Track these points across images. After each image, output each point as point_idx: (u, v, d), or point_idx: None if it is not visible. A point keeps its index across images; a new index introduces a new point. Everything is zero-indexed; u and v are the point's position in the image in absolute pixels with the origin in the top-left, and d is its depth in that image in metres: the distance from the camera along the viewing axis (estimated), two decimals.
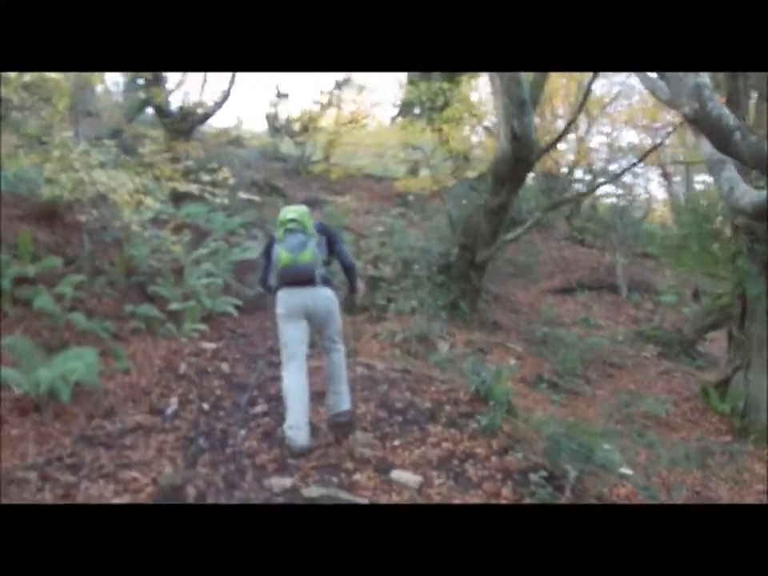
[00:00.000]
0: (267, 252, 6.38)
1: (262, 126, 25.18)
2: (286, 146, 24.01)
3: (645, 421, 9.98)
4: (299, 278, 5.89)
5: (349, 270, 6.42)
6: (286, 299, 5.96)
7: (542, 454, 6.41)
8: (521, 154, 11.87)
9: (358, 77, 23.28)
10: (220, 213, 14.39)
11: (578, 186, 23.69)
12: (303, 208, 6.14)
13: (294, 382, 5.84)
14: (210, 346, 9.31)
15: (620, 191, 21.74)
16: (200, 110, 17.10)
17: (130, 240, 10.46)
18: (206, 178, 9.26)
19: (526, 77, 12.12)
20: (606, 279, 18.97)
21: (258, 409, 7.07)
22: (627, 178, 23.92)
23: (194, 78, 21.53)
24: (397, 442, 6.28)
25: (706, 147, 6.84)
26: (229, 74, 17.43)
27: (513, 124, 11.52)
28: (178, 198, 13.38)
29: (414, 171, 21.93)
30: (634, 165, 15.11)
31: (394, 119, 22.22)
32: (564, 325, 14.97)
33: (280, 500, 5.11)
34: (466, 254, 12.61)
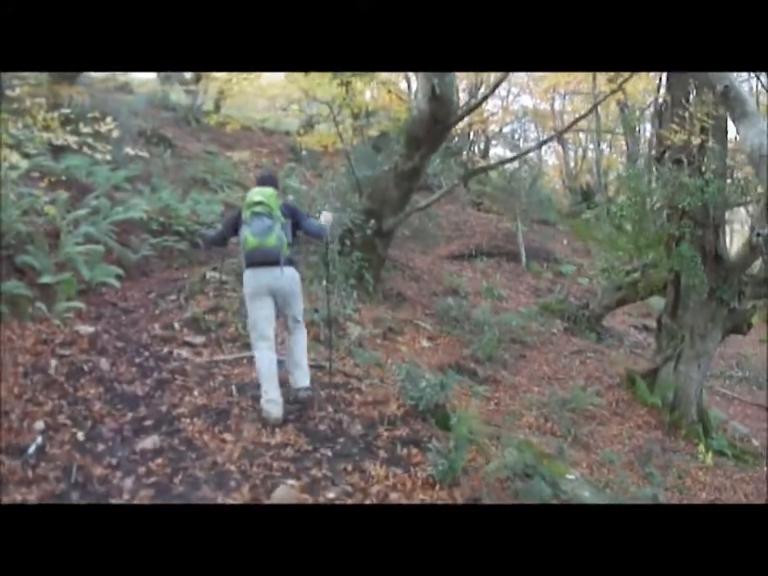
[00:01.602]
0: (229, 224, 6.38)
1: (151, 74, 22.98)
2: (176, 94, 21.88)
3: (572, 415, 8.81)
4: (264, 260, 5.88)
5: (318, 237, 6.52)
6: (252, 279, 5.95)
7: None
8: (439, 114, 10.47)
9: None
10: (104, 166, 12.45)
11: (474, 149, 22.50)
12: (270, 190, 6.10)
13: (267, 361, 5.90)
14: (86, 330, 7.56)
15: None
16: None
17: None
18: (86, 129, 7.53)
19: None
20: (504, 246, 17.92)
21: (149, 443, 5.22)
22: (522, 144, 23.07)
23: None
24: (331, 495, 4.68)
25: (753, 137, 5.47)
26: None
27: (433, 82, 10.05)
28: (57, 149, 11.50)
29: (309, 126, 20.19)
30: (568, 129, 13.62)
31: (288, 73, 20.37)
32: (467, 294, 13.75)
33: None
34: (371, 220, 11.04)
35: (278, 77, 22.56)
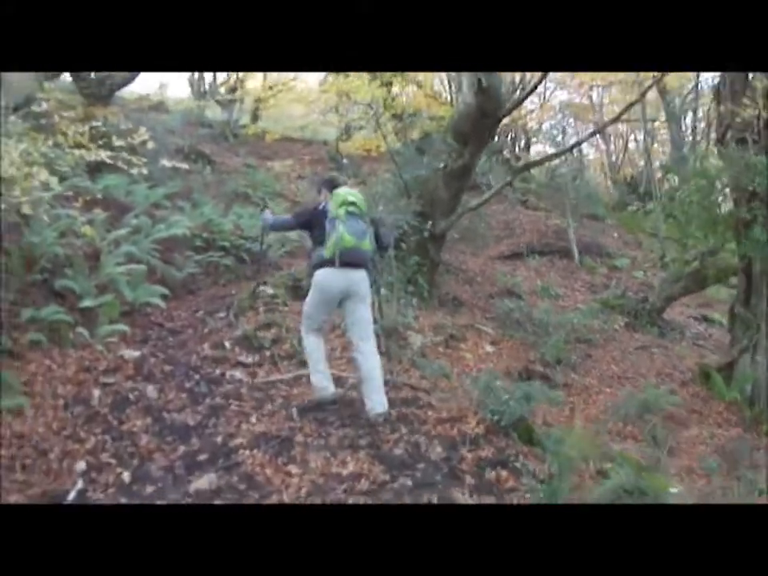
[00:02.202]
0: (304, 216, 6.30)
1: (186, 91, 22.54)
2: (212, 111, 21.37)
3: (650, 416, 7.99)
4: (357, 261, 5.74)
5: (386, 250, 6.58)
6: (332, 278, 5.71)
7: None
8: (487, 108, 9.77)
9: None
10: (142, 184, 11.89)
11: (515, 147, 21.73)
12: (359, 194, 5.94)
13: (319, 346, 5.91)
14: (132, 354, 6.92)
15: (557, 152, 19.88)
16: (119, 74, 14.37)
17: (29, 223, 7.92)
18: (119, 143, 6.96)
19: None
20: (555, 243, 17.08)
21: (204, 483, 4.51)
22: (562, 139, 22.28)
23: None
24: None
25: None
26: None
27: (479, 74, 9.31)
28: (93, 169, 10.94)
29: (347, 132, 19.53)
30: (617, 119, 12.74)
31: (324, 80, 19.76)
32: (523, 294, 12.97)
33: None
34: (423, 223, 10.28)
35: (312, 84, 22.11)
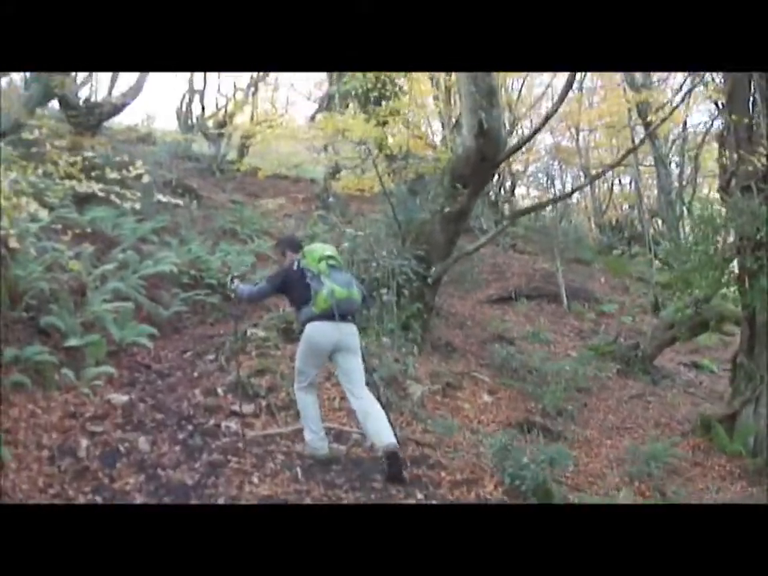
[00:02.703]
0: (280, 280, 6.01)
1: (173, 124, 22.19)
2: (198, 145, 21.01)
3: (655, 471, 7.62)
4: (351, 312, 5.73)
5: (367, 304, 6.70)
6: (324, 332, 5.59)
7: None
8: (487, 151, 9.44)
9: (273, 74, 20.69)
10: (130, 217, 11.50)
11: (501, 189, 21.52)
12: (333, 248, 6.05)
13: (314, 402, 5.80)
14: (120, 399, 6.48)
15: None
16: (109, 104, 14.03)
17: (14, 257, 7.48)
18: (112, 175, 6.62)
19: None
20: (544, 287, 16.75)
21: None
22: (546, 182, 22.12)
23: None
24: None
25: None
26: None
27: (480, 116, 9.04)
28: (80, 200, 10.54)
29: (336, 171, 19.21)
30: (619, 162, 12.53)
31: (313, 116, 19.51)
32: (514, 341, 12.61)
33: None
34: (421, 267, 9.90)
35: (300, 120, 21.86)
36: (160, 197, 8.05)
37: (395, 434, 5.49)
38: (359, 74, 12.83)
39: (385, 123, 12.00)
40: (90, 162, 7.10)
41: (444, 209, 9.94)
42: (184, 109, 21.30)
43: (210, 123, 20.58)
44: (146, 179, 6.68)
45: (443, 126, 13.55)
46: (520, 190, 25.23)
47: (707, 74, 9.45)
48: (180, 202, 9.29)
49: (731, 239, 9.08)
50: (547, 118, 9.73)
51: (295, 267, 5.83)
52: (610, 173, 23.30)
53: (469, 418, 7.96)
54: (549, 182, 22.82)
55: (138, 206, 7.12)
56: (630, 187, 22.60)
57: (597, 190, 25.57)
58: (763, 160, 8.39)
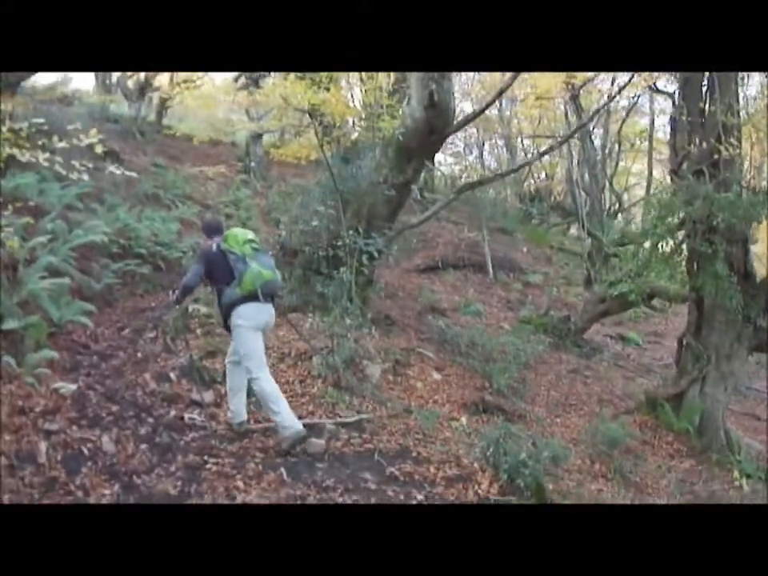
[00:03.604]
0: (208, 262, 5.84)
1: (88, 84, 21.02)
2: (117, 106, 19.95)
3: (608, 449, 7.55)
4: (275, 293, 5.88)
5: None
6: (256, 313, 5.69)
7: None
8: (437, 124, 9.11)
9: None
10: (53, 183, 10.74)
11: None
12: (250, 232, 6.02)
13: (273, 386, 5.61)
14: (68, 389, 5.95)
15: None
16: None
17: None
18: (60, 144, 6.11)
19: None
20: (470, 257, 16.61)
21: None
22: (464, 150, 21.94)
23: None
24: None
25: None
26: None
27: (431, 88, 8.67)
28: None
29: (257, 136, 18.58)
30: (573, 134, 12.32)
31: (237, 78, 18.69)
32: (446, 312, 12.44)
33: None
34: (359, 239, 9.50)
35: (219, 83, 20.98)
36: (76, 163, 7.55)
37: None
38: None
39: (327, 90, 11.48)
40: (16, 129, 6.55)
41: (387, 181, 9.58)
42: None
43: (131, 83, 19.50)
44: (99, 149, 6.20)
45: (389, 95, 12.99)
46: (438, 157, 24.97)
47: None
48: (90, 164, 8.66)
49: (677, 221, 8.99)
50: (501, 92, 9.43)
51: (215, 249, 5.82)
52: (531, 143, 23.30)
53: (423, 398, 7.72)
54: (467, 150, 22.68)
55: (85, 176, 6.70)
56: (550, 158, 22.50)
57: (517, 160, 25.51)
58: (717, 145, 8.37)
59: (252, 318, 5.67)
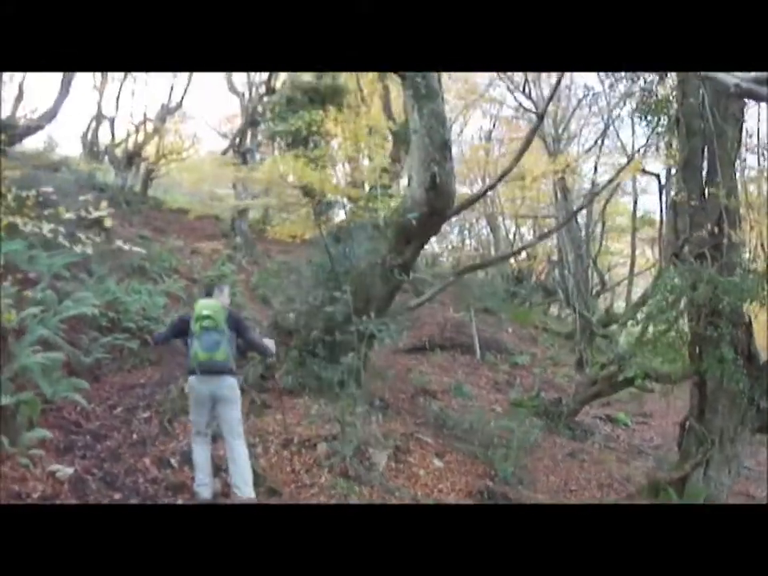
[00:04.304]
0: (176, 330, 6.42)
1: (74, 150, 20.82)
2: (102, 174, 19.77)
3: None
4: (213, 371, 5.88)
5: (258, 350, 6.62)
6: (197, 386, 5.96)
7: None
8: (438, 205, 9.03)
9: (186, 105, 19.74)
10: (41, 251, 10.44)
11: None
12: (217, 304, 6.14)
13: (202, 452, 5.94)
14: (65, 473, 5.62)
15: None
16: (22, 125, 12.88)
17: None
18: (67, 215, 6.09)
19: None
20: (456, 338, 16.43)
21: None
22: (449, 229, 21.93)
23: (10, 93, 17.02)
24: None
25: None
26: (51, 89, 13.48)
27: (433, 170, 8.60)
28: None
29: (242, 211, 18.45)
30: (573, 216, 12.27)
31: (225, 152, 18.66)
32: (436, 394, 12.21)
33: None
34: (370, 323, 9.23)
35: (204, 155, 20.91)
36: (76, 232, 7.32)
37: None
38: (288, 117, 12.19)
39: (323, 167, 11.38)
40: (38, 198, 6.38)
41: (386, 261, 9.40)
42: (90, 135, 19.98)
43: (118, 152, 19.37)
44: (108, 223, 6.13)
45: (381, 173, 12.91)
46: None
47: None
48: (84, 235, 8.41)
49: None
50: (503, 174, 9.35)
51: (186, 318, 6.23)
52: (510, 221, 23.37)
53: (428, 486, 7.46)
54: (448, 228, 22.64)
55: (89, 250, 6.58)
56: (530, 235, 22.60)
57: (500, 240, 25.58)
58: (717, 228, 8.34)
59: (192, 390, 6.03)
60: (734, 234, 8.52)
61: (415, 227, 9.16)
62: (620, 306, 23.15)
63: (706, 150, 8.73)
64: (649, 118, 10.77)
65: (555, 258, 22.35)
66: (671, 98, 9.72)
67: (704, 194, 8.66)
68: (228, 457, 5.90)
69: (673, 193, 10.29)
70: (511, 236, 24.77)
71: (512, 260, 24.72)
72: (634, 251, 20.39)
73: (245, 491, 5.76)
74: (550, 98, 10.98)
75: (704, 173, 8.81)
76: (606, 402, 15.17)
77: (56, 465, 5.75)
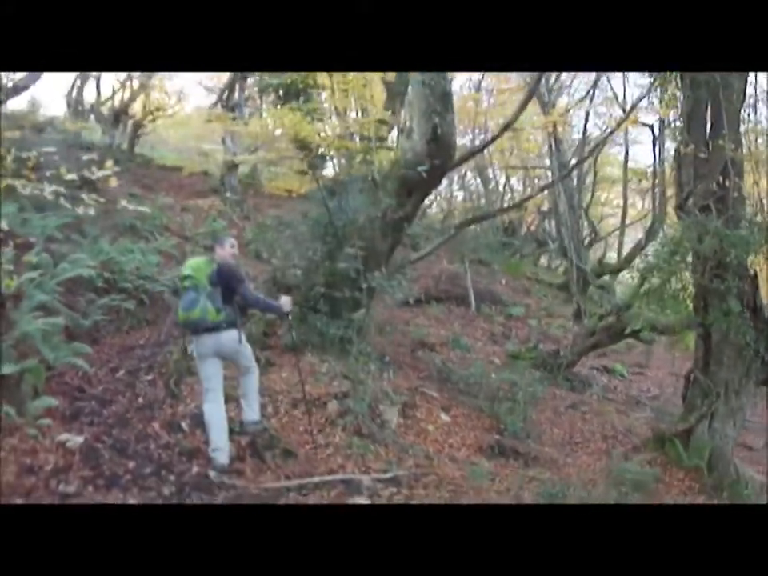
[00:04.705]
0: None
1: (60, 110, 20.28)
2: (88, 133, 19.27)
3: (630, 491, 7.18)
4: (197, 329, 5.88)
5: (255, 306, 6.45)
6: (196, 344, 5.97)
7: None
8: (439, 157, 8.70)
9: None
10: (34, 213, 10.17)
11: None
12: (200, 261, 6.14)
13: (215, 412, 5.77)
14: (75, 441, 5.41)
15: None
16: (7, 86, 12.44)
17: None
18: (69, 176, 5.90)
19: None
20: (452, 290, 16.26)
21: None
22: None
23: None
24: None
25: None
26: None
27: (434, 121, 8.34)
28: None
29: (231, 166, 18.08)
30: (564, 177, 12.05)
31: (213, 106, 18.23)
32: (434, 347, 12.06)
33: None
34: (357, 276, 9.03)
35: (190, 111, 20.47)
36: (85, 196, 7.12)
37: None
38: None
39: (320, 120, 11.07)
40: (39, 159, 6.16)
41: (387, 215, 9.17)
42: (75, 94, 19.45)
43: (105, 110, 18.88)
44: (113, 183, 5.99)
45: (392, 128, 12.62)
46: None
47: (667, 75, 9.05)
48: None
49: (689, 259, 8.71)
50: (507, 125, 9.10)
51: None
52: (500, 172, 23.10)
53: (438, 442, 7.39)
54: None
55: (92, 211, 6.44)
56: (522, 189, 22.37)
57: (490, 191, 25.30)
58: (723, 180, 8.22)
59: (195, 349, 6.02)
60: (739, 185, 8.38)
61: (417, 180, 8.92)
62: (611, 256, 23.06)
63: (709, 101, 8.56)
64: None
65: (545, 208, 22.18)
66: None
67: (707, 146, 8.48)
68: (239, 382, 6.17)
69: (672, 144, 10.06)
70: (501, 187, 24.53)
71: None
72: (625, 202, 20.19)
73: (250, 413, 6.07)
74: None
75: (708, 125, 8.62)
76: (602, 353, 15.12)
77: (65, 434, 5.55)
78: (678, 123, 9.24)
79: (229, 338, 5.89)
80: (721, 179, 8.31)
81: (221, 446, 5.60)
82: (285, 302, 6.28)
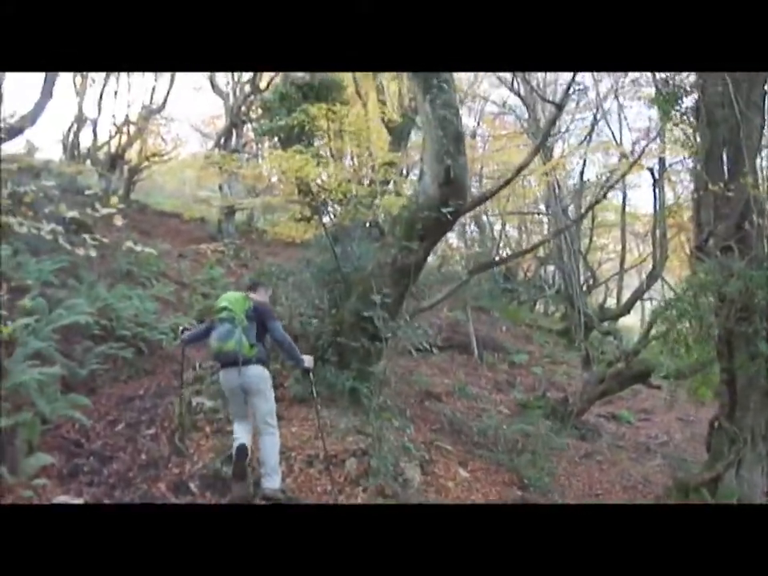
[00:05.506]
0: (208, 330, 6.25)
1: (57, 154, 19.77)
2: (84, 177, 18.81)
3: None
4: (226, 361, 5.84)
5: (281, 345, 6.22)
6: (222, 378, 5.97)
7: None
8: (451, 201, 8.23)
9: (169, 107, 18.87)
10: (29, 257, 9.69)
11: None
12: (237, 295, 6.11)
13: (241, 441, 5.78)
14: (73, 502, 4.84)
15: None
16: (5, 128, 12.10)
17: None
18: (70, 214, 5.97)
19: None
20: (453, 337, 15.73)
21: None
22: None
23: None
24: None
25: None
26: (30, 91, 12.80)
27: (447, 164, 7.92)
28: None
29: (229, 213, 17.67)
30: (588, 211, 11.62)
31: (217, 146, 17.88)
32: (440, 396, 11.56)
33: None
34: (367, 325, 8.49)
35: (186, 157, 20.08)
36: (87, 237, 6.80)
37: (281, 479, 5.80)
38: (283, 114, 11.44)
39: (326, 164, 10.64)
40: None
41: (396, 261, 8.65)
42: (71, 138, 19.02)
43: (101, 155, 18.47)
44: (118, 222, 5.71)
45: (401, 173, 12.23)
46: None
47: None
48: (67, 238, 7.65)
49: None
50: (520, 169, 8.68)
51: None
52: (497, 218, 22.76)
53: (461, 500, 6.80)
54: None
55: (93, 253, 6.14)
56: (519, 235, 22.02)
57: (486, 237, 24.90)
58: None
59: (221, 383, 6.04)
60: (763, 224, 8.01)
61: (429, 224, 8.46)
62: (610, 302, 22.62)
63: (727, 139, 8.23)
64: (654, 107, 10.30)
65: (541, 254, 21.80)
66: (689, 87, 9.13)
67: (727, 185, 8.11)
68: (261, 443, 5.85)
69: (669, 187, 9.70)
70: (495, 233, 24.11)
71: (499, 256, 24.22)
72: (624, 246, 19.80)
73: (269, 481, 5.69)
74: (567, 89, 10.20)
75: (725, 163, 8.28)
76: (608, 400, 14.62)
77: (62, 496, 5.02)
78: (691, 163, 8.95)
79: (254, 374, 5.82)
80: (742, 218, 7.96)
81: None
82: (308, 360, 6.19)
